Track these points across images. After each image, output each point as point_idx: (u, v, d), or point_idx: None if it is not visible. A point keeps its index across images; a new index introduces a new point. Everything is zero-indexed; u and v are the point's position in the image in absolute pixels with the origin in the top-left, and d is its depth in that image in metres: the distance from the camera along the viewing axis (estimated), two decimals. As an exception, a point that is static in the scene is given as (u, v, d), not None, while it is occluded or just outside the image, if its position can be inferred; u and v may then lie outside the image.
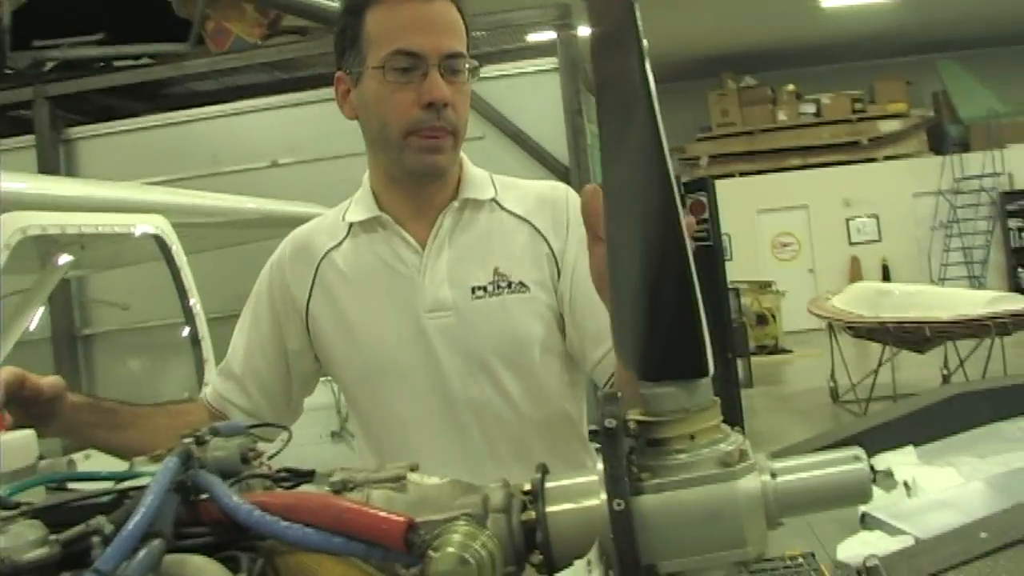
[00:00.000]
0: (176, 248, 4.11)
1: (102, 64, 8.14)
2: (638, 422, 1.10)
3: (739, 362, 14.02)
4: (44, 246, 3.69)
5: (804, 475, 1.11)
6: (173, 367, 7.28)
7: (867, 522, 3.82)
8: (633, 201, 1.13)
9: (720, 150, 22.01)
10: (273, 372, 2.26)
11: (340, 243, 2.20)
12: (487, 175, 2.23)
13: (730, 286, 15.64)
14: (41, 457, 1.45)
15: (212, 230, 5.25)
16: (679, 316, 1.09)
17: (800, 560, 2.94)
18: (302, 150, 7.48)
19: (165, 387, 7.37)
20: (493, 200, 2.18)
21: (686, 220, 1.09)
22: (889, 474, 4.24)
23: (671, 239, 1.08)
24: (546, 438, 2.15)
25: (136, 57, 8.23)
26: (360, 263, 2.17)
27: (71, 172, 7.52)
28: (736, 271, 18.43)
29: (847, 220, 21.96)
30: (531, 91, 6.74)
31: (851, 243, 22.02)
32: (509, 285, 2.11)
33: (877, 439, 4.52)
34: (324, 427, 6.23)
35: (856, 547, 3.45)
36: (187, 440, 1.19)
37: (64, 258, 3.91)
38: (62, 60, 8.30)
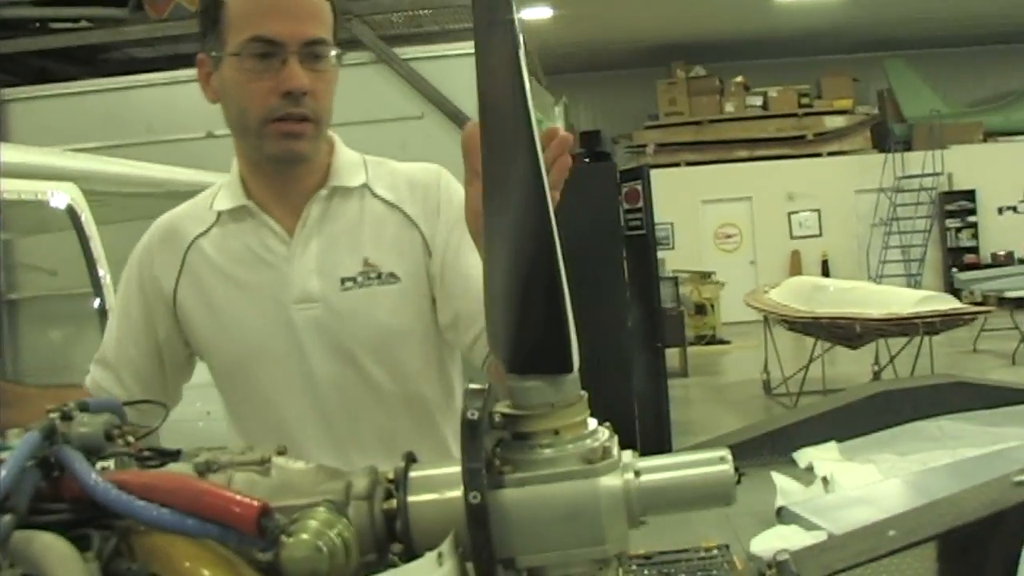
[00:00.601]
0: (86, 217, 4.04)
1: (38, 25, 8.03)
2: (504, 415, 1.11)
3: (676, 352, 14.10)
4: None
5: (668, 475, 1.10)
6: (93, 336, 7.21)
7: (783, 516, 3.87)
8: (507, 193, 1.12)
9: (667, 139, 22.08)
10: (146, 359, 2.21)
11: (208, 230, 2.15)
12: (360, 159, 2.19)
13: (670, 275, 15.73)
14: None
15: (140, 200, 5.20)
16: (547, 312, 1.09)
17: (715, 552, 2.97)
18: (239, 121, 7.37)
19: (86, 354, 7.29)
20: (364, 186, 2.14)
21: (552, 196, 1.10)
22: (810, 469, 4.30)
23: (542, 235, 1.08)
24: (416, 426, 2.13)
25: (74, 20, 8.13)
26: (228, 251, 2.13)
27: (2, 134, 7.40)
28: (678, 260, 18.54)
29: (789, 214, 22.13)
30: (472, 71, 6.70)
31: (792, 236, 22.20)
32: (379, 276, 2.08)
33: (802, 433, 4.58)
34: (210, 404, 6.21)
35: (771, 540, 3.49)
36: (52, 414, 1.18)
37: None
38: (-4, 19, 8.22)
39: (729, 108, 22.08)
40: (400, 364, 2.10)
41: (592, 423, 1.13)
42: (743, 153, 21.98)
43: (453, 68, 6.76)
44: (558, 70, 17.50)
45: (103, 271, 4.21)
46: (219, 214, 2.14)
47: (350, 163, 2.15)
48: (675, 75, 22.37)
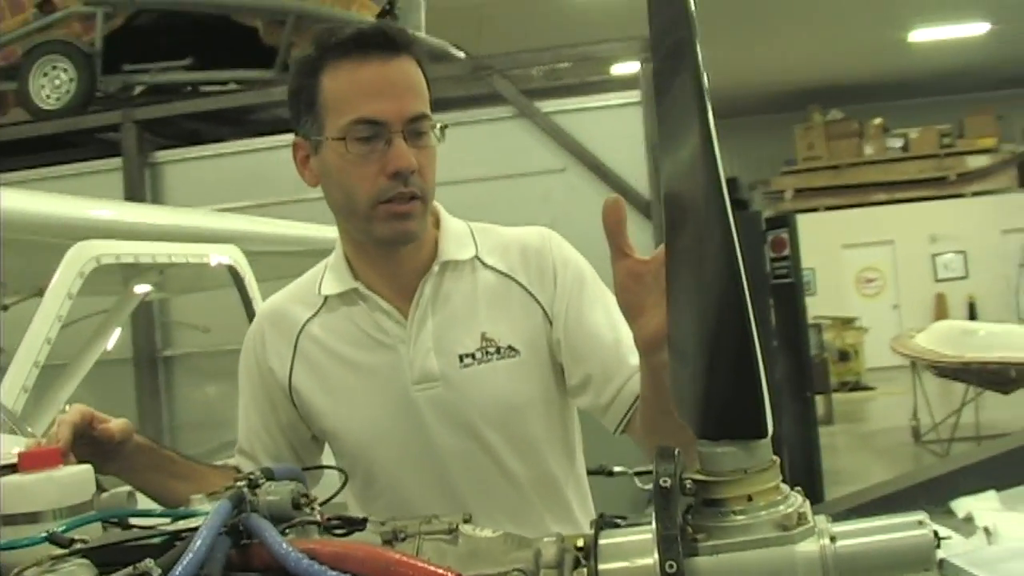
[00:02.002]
0: (248, 278, 4.14)
1: (190, 89, 8.26)
2: (695, 481, 1.08)
3: (820, 399, 13.86)
4: (120, 273, 3.74)
5: (865, 540, 1.07)
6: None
7: (946, 569, 3.74)
8: (696, 259, 1.11)
9: (805, 184, 21.75)
10: (278, 445, 2.20)
11: (316, 314, 2.13)
12: (466, 229, 2.15)
13: (812, 322, 15.47)
14: (102, 490, 1.45)
15: (293, 259, 5.29)
16: (740, 376, 1.07)
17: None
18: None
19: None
20: (475, 258, 2.10)
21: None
22: (969, 519, 4.17)
23: (733, 298, 1.07)
24: (542, 495, 2.11)
25: (224, 83, 8.35)
26: (341, 334, 2.10)
27: (156, 195, 7.62)
28: (820, 306, 18.22)
29: (933, 256, 21.60)
30: (613, 124, 6.72)
31: (937, 279, 21.63)
32: (498, 350, 2.04)
33: (958, 482, 4.45)
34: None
35: (936, 595, 3.39)
36: (240, 483, 1.19)
37: (141, 287, 3.95)
38: (151, 84, 8.47)
39: (868, 151, 21.69)
40: (523, 435, 2.07)
41: (784, 488, 1.10)
42: (883, 196, 21.54)
43: (594, 120, 6.77)
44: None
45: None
46: (326, 298, 2.13)
47: (458, 235, 2.13)
48: (812, 119, 22.09)
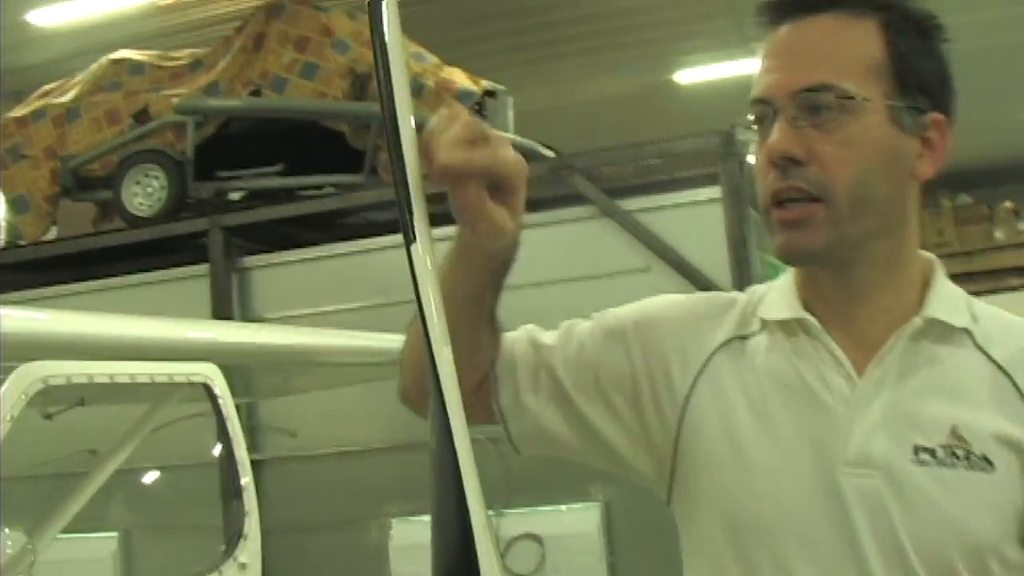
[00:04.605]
0: (226, 398, 4.08)
1: (282, 194, 8.43)
2: None
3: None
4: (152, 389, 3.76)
5: None
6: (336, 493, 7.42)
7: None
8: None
9: (936, 271, 21.33)
10: (569, 387, 1.78)
11: (747, 336, 1.74)
12: (961, 294, 1.74)
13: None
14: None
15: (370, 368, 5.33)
16: None
17: None
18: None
19: (332, 514, 7.48)
20: (966, 332, 1.66)
21: None
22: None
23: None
24: None
25: (318, 187, 8.51)
26: (771, 370, 1.68)
27: (244, 300, 7.77)
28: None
29: (1072, 343, 20.95)
30: (695, 221, 6.68)
31: (1077, 367, 20.97)
32: (968, 457, 1.55)
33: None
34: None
35: None
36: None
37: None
38: (244, 191, 8.68)
39: (999, 236, 21.22)
40: None
41: None
42: (1016, 282, 21.01)
43: (676, 218, 6.75)
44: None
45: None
46: (764, 322, 1.73)
47: (951, 297, 1.72)
48: (941, 205, 21.71)
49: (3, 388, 2.95)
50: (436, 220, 1.45)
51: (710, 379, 1.71)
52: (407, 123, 1.41)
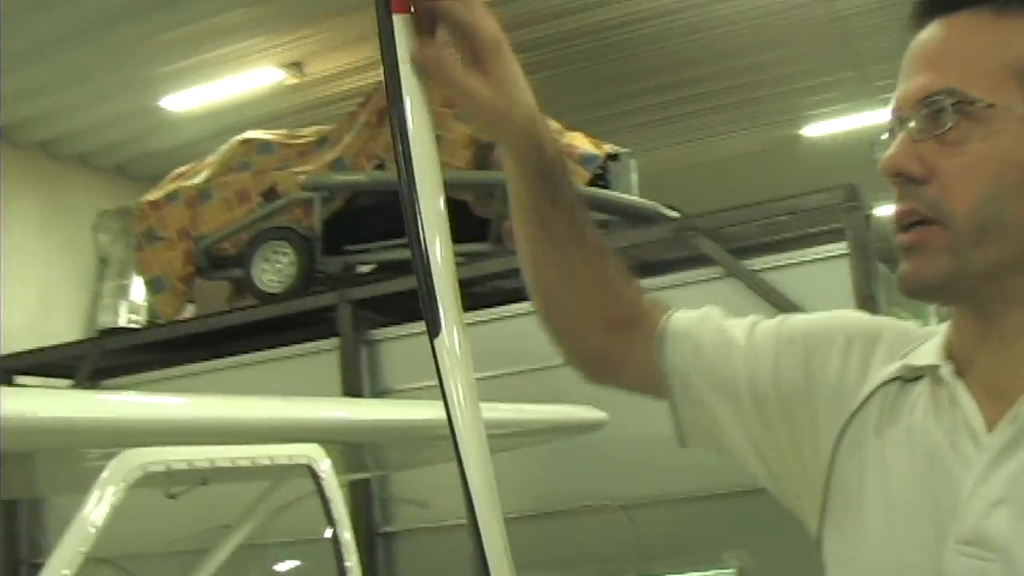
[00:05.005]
0: (329, 480, 4.01)
1: (409, 266, 8.51)
2: None
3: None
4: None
5: None
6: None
7: None
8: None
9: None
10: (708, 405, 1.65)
11: (891, 380, 1.51)
12: None
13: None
14: None
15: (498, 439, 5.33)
16: None
17: None
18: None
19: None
20: None
21: None
22: None
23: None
24: None
25: (444, 257, 8.55)
26: (907, 424, 1.46)
27: (373, 372, 7.82)
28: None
29: None
30: (822, 278, 6.56)
31: None
32: None
33: None
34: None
35: None
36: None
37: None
38: (372, 263, 8.77)
39: None
40: None
41: None
42: None
43: (805, 275, 6.63)
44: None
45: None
46: (913, 368, 1.50)
47: None
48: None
49: (102, 476, 2.97)
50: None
51: (856, 426, 1.50)
52: (432, 201, 1.48)
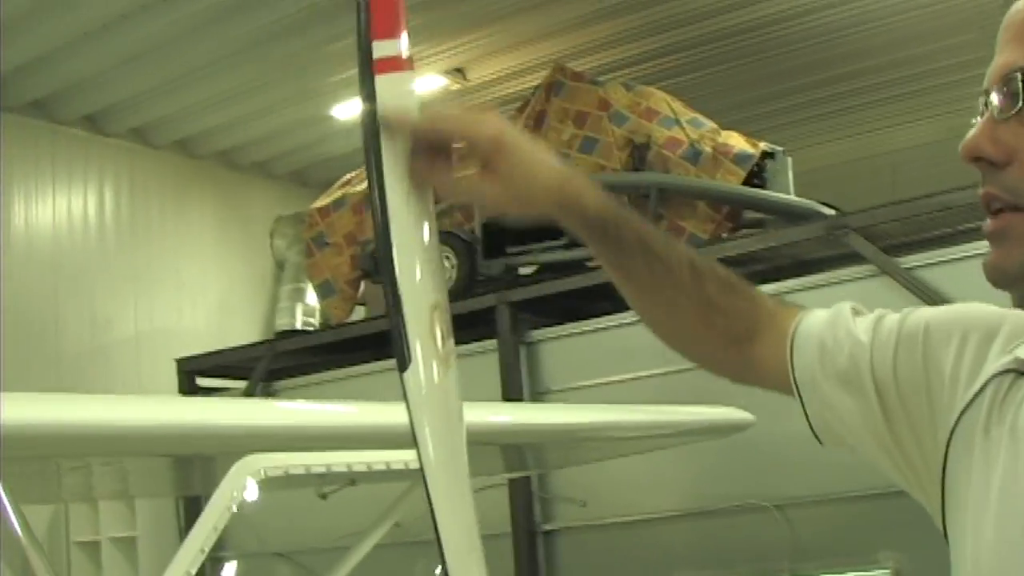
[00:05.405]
0: None
1: (569, 267, 8.62)
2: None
3: None
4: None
5: None
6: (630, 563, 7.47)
7: None
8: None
9: None
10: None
11: (1005, 371, 1.41)
12: None
13: None
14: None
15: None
16: None
17: None
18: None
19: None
20: None
21: None
22: None
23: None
24: None
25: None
26: (1011, 424, 1.36)
27: (532, 374, 7.96)
28: None
29: None
30: (975, 274, 6.43)
31: None
32: None
33: None
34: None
35: None
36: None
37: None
38: (533, 265, 8.90)
39: None
40: None
41: None
42: None
43: (959, 271, 6.53)
44: None
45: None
46: (1017, 360, 1.40)
47: None
48: None
49: (223, 481, 3.11)
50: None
51: (966, 423, 1.42)
52: (407, 234, 1.48)
